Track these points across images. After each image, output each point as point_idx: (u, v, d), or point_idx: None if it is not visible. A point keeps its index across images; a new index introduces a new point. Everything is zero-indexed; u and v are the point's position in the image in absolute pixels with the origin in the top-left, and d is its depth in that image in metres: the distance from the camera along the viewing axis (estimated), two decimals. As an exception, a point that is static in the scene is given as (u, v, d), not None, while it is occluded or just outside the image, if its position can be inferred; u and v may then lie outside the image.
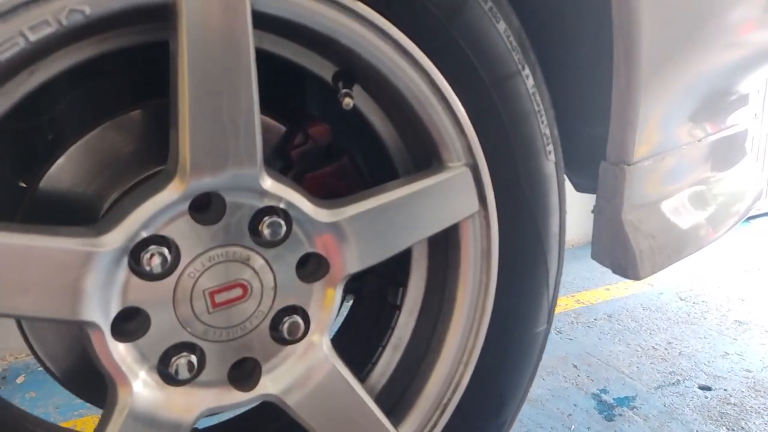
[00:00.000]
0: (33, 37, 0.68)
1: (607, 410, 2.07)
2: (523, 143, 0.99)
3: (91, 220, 0.93)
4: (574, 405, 2.10)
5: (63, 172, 0.91)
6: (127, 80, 1.00)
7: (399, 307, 1.12)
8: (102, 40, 0.81)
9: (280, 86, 1.07)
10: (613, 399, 2.13)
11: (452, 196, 0.96)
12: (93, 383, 1.01)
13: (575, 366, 2.35)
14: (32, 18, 0.68)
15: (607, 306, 2.86)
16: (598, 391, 2.18)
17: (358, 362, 1.13)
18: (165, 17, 0.76)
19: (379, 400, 1.03)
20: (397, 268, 1.11)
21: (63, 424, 1.98)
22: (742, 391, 2.16)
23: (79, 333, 0.90)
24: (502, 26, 0.94)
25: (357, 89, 0.97)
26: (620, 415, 2.04)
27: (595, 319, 2.73)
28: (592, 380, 2.25)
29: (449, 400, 1.06)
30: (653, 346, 2.47)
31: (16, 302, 0.74)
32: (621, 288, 3.05)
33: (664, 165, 1.17)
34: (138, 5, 0.73)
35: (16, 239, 0.73)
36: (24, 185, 1.01)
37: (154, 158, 0.96)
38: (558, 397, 2.14)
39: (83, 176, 0.93)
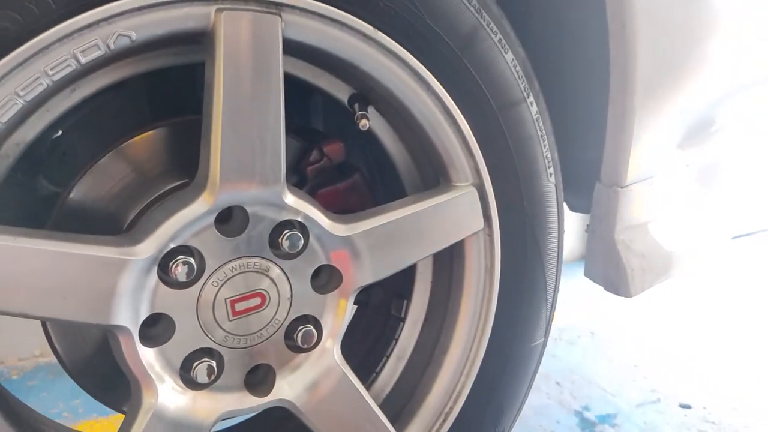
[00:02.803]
0: (84, 60, 0.73)
1: (589, 427, 2.10)
2: (527, 165, 1.05)
3: (114, 230, 0.97)
4: (557, 422, 2.13)
5: (93, 182, 0.95)
6: (152, 98, 1.04)
7: (403, 319, 1.16)
8: (139, 61, 0.86)
9: (294, 104, 1.12)
10: (595, 416, 2.16)
11: (459, 213, 1.02)
12: (110, 385, 1.05)
13: (558, 383, 2.39)
14: (85, 42, 0.72)
15: (590, 323, 2.90)
16: (581, 408, 2.21)
17: (362, 371, 1.17)
18: (200, 41, 0.81)
19: (382, 408, 1.06)
20: (401, 281, 1.15)
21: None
22: (721, 410, 2.21)
23: (103, 336, 0.95)
24: (509, 56, 1.00)
25: (370, 110, 1.02)
26: (602, 432, 2.08)
27: (579, 336, 2.77)
28: (574, 397, 2.28)
29: (451, 409, 1.10)
30: (635, 364, 2.52)
31: (54, 307, 0.78)
32: (603, 305, 3.10)
33: (653, 189, 1.24)
34: (179, 31, 0.77)
35: (58, 247, 0.77)
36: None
37: (176, 173, 1.00)
38: (541, 414, 2.17)
39: (110, 187, 0.97)
